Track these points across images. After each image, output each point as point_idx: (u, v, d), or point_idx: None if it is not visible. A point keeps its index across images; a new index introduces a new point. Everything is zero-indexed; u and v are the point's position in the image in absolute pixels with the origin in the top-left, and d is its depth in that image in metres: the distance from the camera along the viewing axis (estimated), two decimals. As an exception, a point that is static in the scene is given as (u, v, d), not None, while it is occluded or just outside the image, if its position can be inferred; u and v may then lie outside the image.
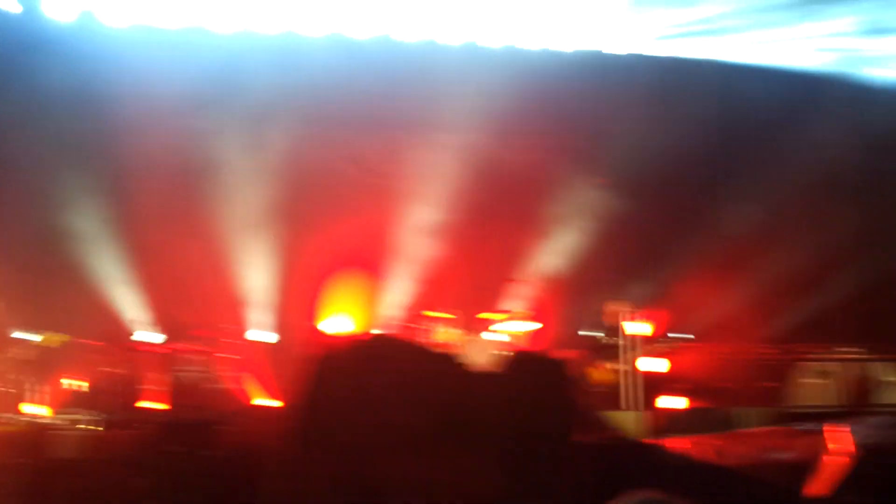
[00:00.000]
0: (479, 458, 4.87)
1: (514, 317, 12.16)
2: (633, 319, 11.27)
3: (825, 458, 6.65)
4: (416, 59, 13.10)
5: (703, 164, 14.53)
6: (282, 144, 12.73)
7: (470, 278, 12.58)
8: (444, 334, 11.42)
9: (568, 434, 5.48)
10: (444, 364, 5.64)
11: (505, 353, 8.75)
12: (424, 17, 13.43)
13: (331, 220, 12.55)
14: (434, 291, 12.00)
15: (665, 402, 11.48)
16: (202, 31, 13.28)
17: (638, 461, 8.67)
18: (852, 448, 6.40)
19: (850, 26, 14.09)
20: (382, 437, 4.90)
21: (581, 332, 11.36)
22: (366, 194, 12.87)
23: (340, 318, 11.79)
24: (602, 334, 11.22)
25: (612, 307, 11.36)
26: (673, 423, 9.78)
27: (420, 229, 12.61)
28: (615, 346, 10.99)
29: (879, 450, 6.19)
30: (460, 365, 5.86)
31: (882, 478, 6.14)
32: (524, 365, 6.03)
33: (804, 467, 6.86)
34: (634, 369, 11.05)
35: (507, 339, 11.77)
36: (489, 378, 5.95)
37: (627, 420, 10.16)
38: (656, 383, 11.85)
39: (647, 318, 12.49)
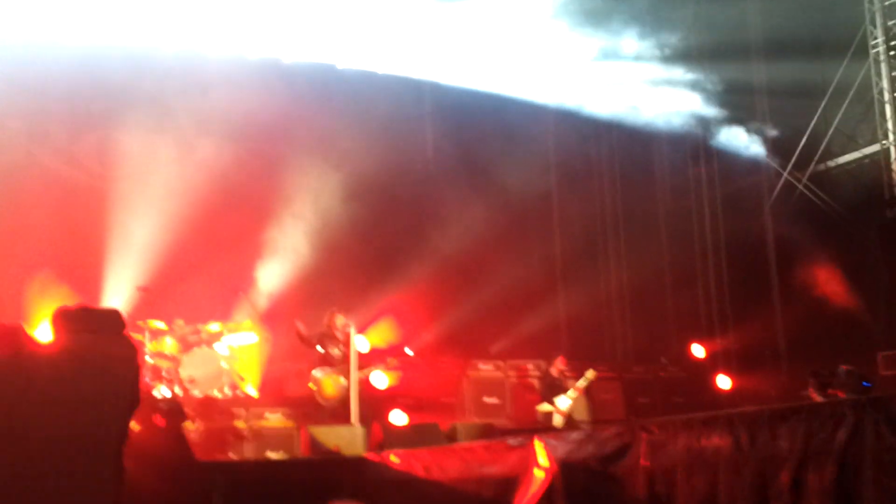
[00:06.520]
0: None
1: (238, 328, 11.89)
2: (360, 333, 11.29)
3: (531, 471, 6.91)
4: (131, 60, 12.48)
5: (426, 181, 14.91)
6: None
7: (193, 287, 12.15)
8: (157, 345, 10.96)
9: None
10: None
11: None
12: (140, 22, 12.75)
13: (38, 219, 11.72)
14: (153, 300, 11.43)
15: (390, 416, 11.59)
16: None
17: (353, 476, 8.69)
18: (553, 462, 6.68)
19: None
20: None
21: (318, 347, 11.17)
22: (78, 194, 12.15)
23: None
24: (336, 349, 11.13)
25: (341, 321, 11.31)
26: (394, 437, 9.85)
27: (140, 234, 12.01)
28: (346, 360, 10.94)
29: (572, 464, 6.49)
30: None
31: (573, 490, 6.45)
32: None
33: (512, 481, 7.09)
34: (363, 383, 11.08)
35: (227, 351, 11.49)
36: None
37: (350, 435, 10.11)
38: (382, 398, 11.95)
39: (374, 333, 12.58)
